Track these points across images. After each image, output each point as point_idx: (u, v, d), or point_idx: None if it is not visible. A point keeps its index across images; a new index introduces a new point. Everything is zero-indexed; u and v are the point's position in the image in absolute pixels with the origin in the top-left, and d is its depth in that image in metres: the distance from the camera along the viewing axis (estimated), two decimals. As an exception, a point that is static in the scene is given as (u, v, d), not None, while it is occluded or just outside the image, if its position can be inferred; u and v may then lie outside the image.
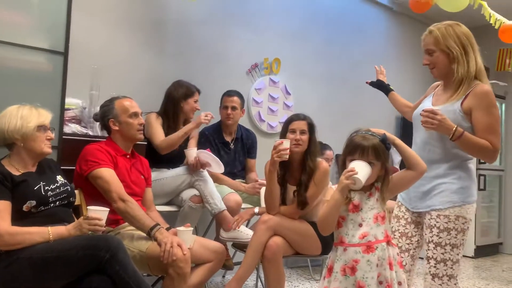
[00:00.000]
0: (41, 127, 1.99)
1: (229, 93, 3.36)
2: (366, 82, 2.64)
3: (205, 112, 2.91)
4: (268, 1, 4.10)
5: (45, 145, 2.01)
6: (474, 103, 1.90)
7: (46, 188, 1.97)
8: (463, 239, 1.93)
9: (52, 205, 1.97)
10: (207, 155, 2.85)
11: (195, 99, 3.08)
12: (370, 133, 1.68)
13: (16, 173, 1.93)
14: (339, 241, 1.66)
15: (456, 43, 1.96)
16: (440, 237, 1.91)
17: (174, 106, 3.01)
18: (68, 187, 2.10)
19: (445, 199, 1.92)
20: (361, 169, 1.58)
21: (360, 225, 1.63)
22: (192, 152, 2.84)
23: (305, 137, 2.55)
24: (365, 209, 1.65)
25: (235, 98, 3.32)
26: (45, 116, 2.03)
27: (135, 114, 2.40)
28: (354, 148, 1.65)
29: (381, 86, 2.54)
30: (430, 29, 2.02)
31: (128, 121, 2.37)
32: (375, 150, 1.63)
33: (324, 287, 1.64)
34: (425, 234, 1.97)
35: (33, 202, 1.90)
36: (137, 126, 2.40)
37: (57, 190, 2.01)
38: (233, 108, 3.29)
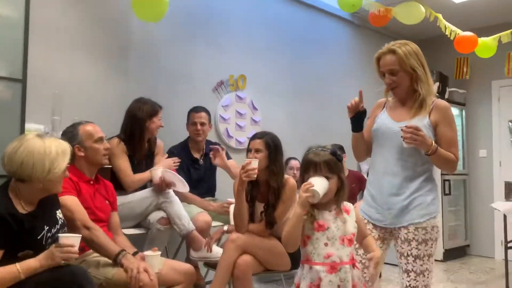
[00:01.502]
0: (65, 169, 1.91)
1: (196, 109, 3.37)
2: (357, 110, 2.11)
3: (173, 159, 3.01)
4: (230, 20, 4.15)
5: (61, 184, 1.93)
6: (439, 118, 2.01)
7: (48, 235, 1.88)
8: (436, 248, 2.03)
9: (45, 250, 1.87)
10: (172, 175, 2.85)
11: (160, 117, 3.07)
12: (320, 148, 1.73)
13: (22, 211, 1.82)
14: (305, 259, 1.70)
15: (417, 62, 2.03)
16: (419, 249, 1.98)
17: (139, 126, 2.98)
18: (65, 228, 2.01)
19: (423, 212, 2.00)
20: (317, 182, 1.63)
21: (326, 244, 1.66)
22: (158, 172, 2.83)
23: (259, 156, 2.56)
24: (332, 229, 1.67)
25: (203, 114, 3.35)
26: (69, 153, 1.92)
27: (101, 139, 2.39)
28: (307, 165, 1.70)
29: (360, 120, 2.14)
30: (391, 49, 2.04)
31: (94, 147, 2.35)
32: (328, 164, 1.68)
33: (292, 304, 1.67)
34: (402, 248, 2.02)
35: (31, 252, 1.81)
36: (103, 151, 2.39)
37: (56, 235, 1.92)
38: (202, 124, 3.31)
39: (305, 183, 1.63)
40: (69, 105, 2.91)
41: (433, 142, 1.94)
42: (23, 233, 1.78)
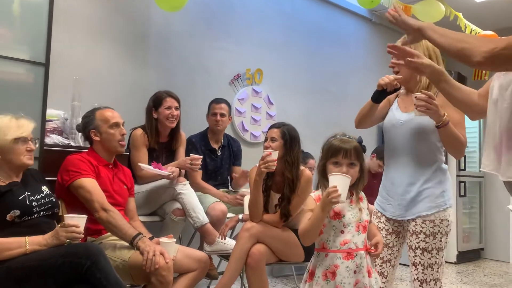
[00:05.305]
0: (18, 139, 1.96)
1: (217, 101, 3.40)
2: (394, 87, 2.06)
3: (193, 156, 2.90)
4: (249, 13, 4.17)
5: (25, 157, 1.98)
6: (444, 101, 1.90)
7: (30, 198, 1.95)
8: (446, 242, 1.99)
9: (36, 215, 1.95)
10: (150, 170, 2.78)
11: (166, 106, 2.98)
12: (347, 136, 1.74)
13: (0, 183, 1.92)
14: (321, 247, 1.70)
15: (425, 54, 2.01)
16: (427, 242, 1.95)
17: (149, 118, 3.00)
18: (53, 197, 2.08)
19: (431, 205, 1.97)
20: (341, 185, 1.58)
21: (342, 231, 1.67)
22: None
23: (274, 145, 2.57)
24: (348, 217, 1.68)
25: (223, 105, 3.36)
26: (25, 128, 2.00)
27: (116, 125, 2.39)
28: (336, 151, 1.68)
29: (385, 95, 2.11)
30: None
31: (108, 132, 2.36)
32: (356, 151, 1.69)
33: (305, 290, 1.67)
34: (410, 241, 2.00)
35: (17, 212, 1.88)
36: (119, 136, 2.38)
37: (42, 200, 2.00)
38: (222, 115, 3.33)
39: (330, 187, 1.58)
40: (89, 91, 2.96)
41: (445, 114, 1.88)
42: (1, 197, 1.87)
